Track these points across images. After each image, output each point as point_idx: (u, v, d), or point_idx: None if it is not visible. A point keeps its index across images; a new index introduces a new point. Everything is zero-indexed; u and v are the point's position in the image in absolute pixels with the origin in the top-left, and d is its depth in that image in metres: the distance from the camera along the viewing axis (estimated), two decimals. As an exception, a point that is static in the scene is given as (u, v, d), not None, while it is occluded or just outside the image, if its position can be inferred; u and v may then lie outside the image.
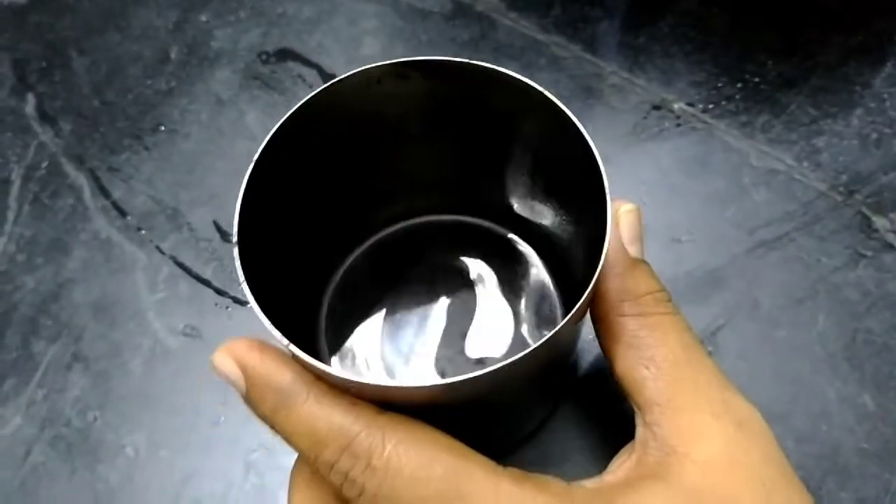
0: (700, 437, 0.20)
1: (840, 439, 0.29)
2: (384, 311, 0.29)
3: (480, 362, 0.18)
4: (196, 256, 0.34)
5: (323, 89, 0.23)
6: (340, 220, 0.29)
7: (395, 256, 0.30)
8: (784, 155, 0.35)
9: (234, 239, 0.21)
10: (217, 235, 0.35)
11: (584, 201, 0.22)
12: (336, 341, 0.29)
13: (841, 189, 0.34)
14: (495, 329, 0.29)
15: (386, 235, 0.31)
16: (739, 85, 0.37)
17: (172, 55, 0.40)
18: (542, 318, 0.28)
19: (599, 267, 0.20)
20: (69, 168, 0.37)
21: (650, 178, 0.35)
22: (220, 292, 0.33)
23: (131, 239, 0.35)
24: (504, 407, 0.24)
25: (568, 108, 0.22)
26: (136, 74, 0.40)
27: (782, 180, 0.34)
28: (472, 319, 0.29)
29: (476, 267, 0.30)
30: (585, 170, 0.21)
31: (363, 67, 0.23)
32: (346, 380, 0.19)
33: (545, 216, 0.27)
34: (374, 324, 0.29)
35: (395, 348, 0.29)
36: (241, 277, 0.20)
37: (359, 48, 0.40)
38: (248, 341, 0.21)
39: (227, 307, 0.33)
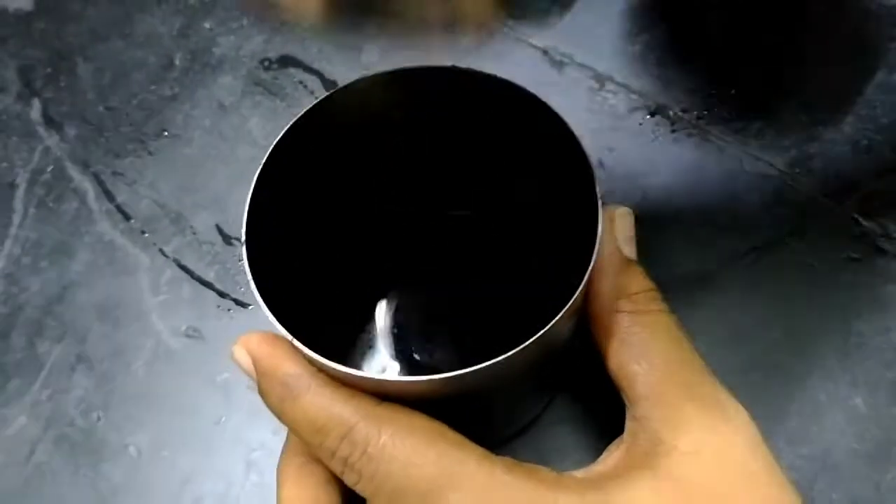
0: (688, 430, 0.21)
1: (832, 440, 0.29)
2: (388, 302, 0.30)
3: (482, 350, 0.19)
4: (199, 259, 0.35)
5: (331, 94, 0.23)
6: (345, 220, 0.29)
7: (395, 250, 0.31)
8: (777, 161, 0.35)
9: (243, 238, 0.21)
10: (219, 239, 0.35)
11: (577, 204, 0.22)
12: (342, 332, 0.30)
13: (833, 195, 0.34)
14: (496, 317, 0.29)
15: (387, 236, 0.31)
16: (733, 92, 0.37)
17: (176, 61, 0.41)
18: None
19: (592, 262, 0.20)
20: (74, 172, 0.38)
21: (644, 184, 0.35)
22: (222, 294, 0.34)
23: (135, 242, 0.35)
24: (499, 400, 0.24)
25: (562, 114, 0.22)
26: (140, 80, 0.40)
27: (775, 186, 0.35)
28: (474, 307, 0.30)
29: (478, 256, 0.31)
30: (579, 174, 0.22)
31: (372, 73, 0.24)
32: (346, 373, 0.20)
33: (539, 218, 0.28)
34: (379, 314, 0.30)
35: (394, 339, 0.29)
36: (249, 275, 0.21)
37: (359, 55, 0.40)
38: (262, 335, 0.22)
39: (228, 309, 0.34)
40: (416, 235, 0.31)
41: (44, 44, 0.42)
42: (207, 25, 0.42)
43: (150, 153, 0.38)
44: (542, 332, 0.19)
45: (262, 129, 0.38)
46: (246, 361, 0.22)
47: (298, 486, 0.22)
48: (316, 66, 0.40)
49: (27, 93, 0.40)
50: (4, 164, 0.38)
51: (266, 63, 0.40)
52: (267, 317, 0.20)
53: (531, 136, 0.24)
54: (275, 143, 0.23)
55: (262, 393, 0.22)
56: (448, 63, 0.24)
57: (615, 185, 0.35)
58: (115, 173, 0.37)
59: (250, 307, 0.33)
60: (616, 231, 0.24)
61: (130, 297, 0.34)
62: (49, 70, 0.41)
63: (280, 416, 0.22)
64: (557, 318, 0.20)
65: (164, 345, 0.33)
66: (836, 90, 0.37)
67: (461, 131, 0.26)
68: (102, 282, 0.34)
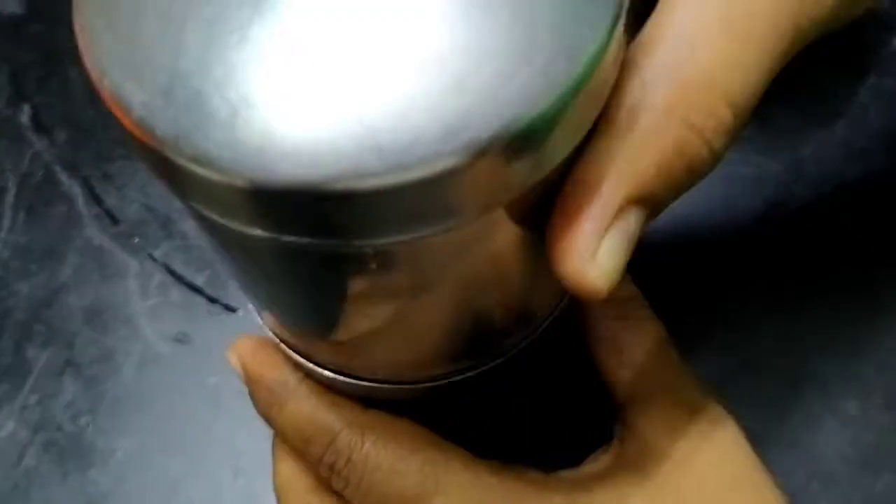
0: (674, 434, 0.21)
1: (823, 445, 0.29)
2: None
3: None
4: (188, 264, 0.35)
5: None
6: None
7: None
8: (771, 163, 0.35)
9: None
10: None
11: None
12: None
13: (826, 197, 0.34)
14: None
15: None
16: (726, 95, 0.37)
17: (167, 65, 0.40)
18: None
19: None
20: (63, 176, 0.37)
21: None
22: (211, 300, 0.34)
23: (124, 246, 0.35)
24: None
25: None
26: (131, 84, 0.40)
27: (768, 189, 0.35)
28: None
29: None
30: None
31: None
32: (333, 378, 0.20)
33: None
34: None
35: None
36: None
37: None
38: (253, 341, 0.22)
39: (218, 314, 0.33)
40: None
41: (35, 48, 0.42)
42: (199, 29, 0.42)
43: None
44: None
45: (253, 133, 0.38)
46: (237, 367, 0.22)
47: (293, 465, 0.22)
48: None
49: (17, 98, 0.40)
50: (-6, 169, 0.38)
51: (257, 66, 0.40)
52: (256, 321, 0.20)
53: None
54: None
55: (251, 398, 0.22)
56: None
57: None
58: (104, 177, 0.37)
59: (239, 312, 0.33)
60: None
61: (119, 301, 0.34)
62: (40, 74, 0.41)
63: (268, 421, 0.22)
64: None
65: (153, 350, 0.33)
66: (829, 93, 0.37)
67: None
68: (91, 286, 0.34)
